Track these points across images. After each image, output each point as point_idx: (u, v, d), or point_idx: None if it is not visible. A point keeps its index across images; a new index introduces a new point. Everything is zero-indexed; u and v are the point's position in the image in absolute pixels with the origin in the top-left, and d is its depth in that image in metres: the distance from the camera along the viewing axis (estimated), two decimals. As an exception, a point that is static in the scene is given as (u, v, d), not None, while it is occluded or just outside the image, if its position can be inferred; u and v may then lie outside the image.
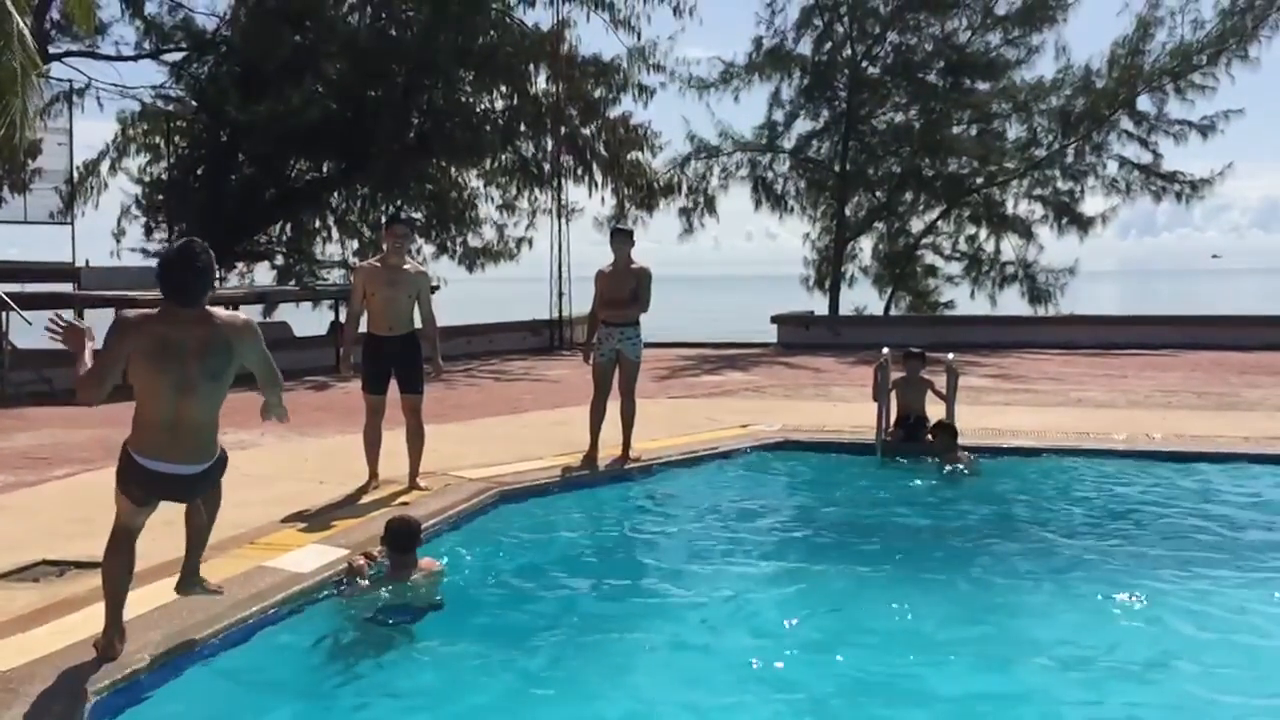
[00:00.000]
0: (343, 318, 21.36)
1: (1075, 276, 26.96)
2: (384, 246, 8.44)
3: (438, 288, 24.06)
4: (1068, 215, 26.59)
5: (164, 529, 6.74)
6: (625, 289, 9.29)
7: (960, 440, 9.66)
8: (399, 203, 24.30)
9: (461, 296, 26.22)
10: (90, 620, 5.07)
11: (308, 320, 22.80)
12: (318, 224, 25.49)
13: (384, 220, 21.73)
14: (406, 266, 8.22)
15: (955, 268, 28.03)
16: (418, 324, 8.29)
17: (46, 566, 6.08)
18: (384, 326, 8.10)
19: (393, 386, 8.17)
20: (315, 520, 7.09)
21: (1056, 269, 26.99)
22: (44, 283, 18.81)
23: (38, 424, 11.97)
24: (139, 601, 5.33)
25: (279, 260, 25.23)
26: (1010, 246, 27.27)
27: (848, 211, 27.67)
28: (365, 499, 7.71)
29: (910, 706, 4.48)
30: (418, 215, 24.51)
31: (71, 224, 20.51)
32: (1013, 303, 26.79)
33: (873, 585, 6.20)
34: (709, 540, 7.24)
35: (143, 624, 4.98)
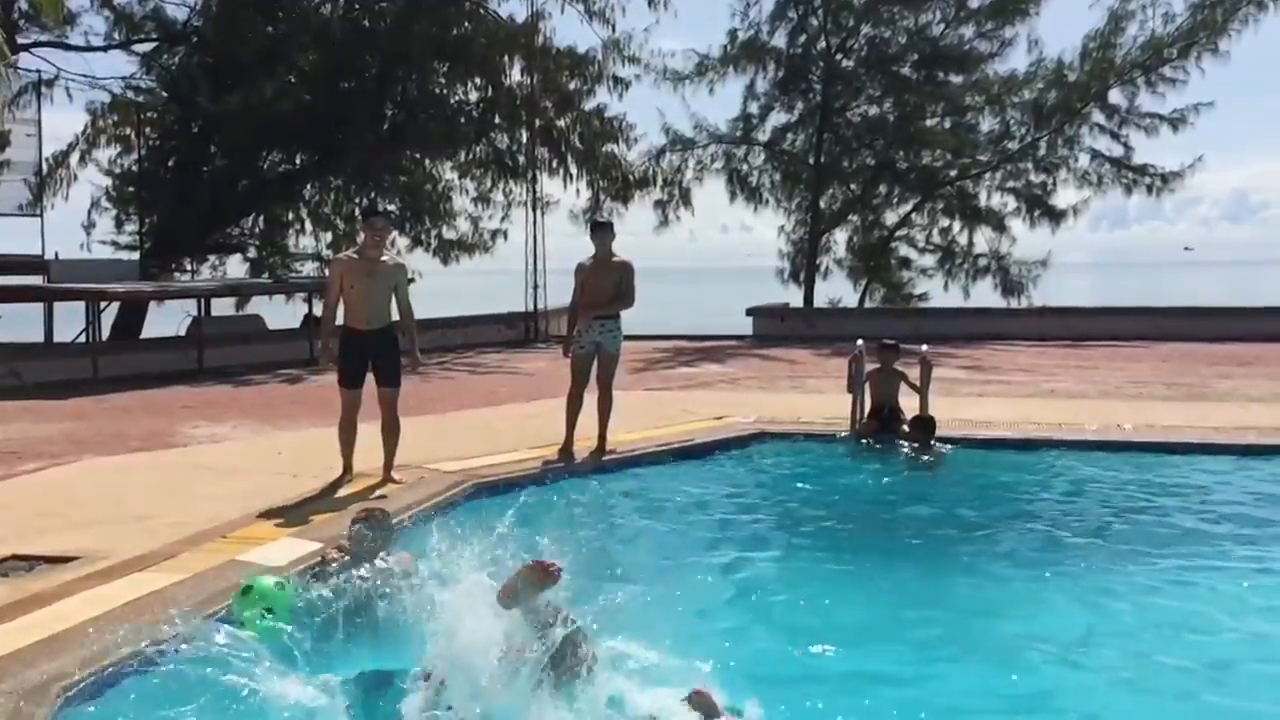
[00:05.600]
0: (317, 310, 21.35)
1: (1048, 269, 27.12)
2: (359, 239, 8.39)
3: (414, 280, 23.92)
4: (1040, 208, 26.76)
5: (134, 524, 6.71)
6: (607, 283, 9.24)
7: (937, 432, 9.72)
8: (373, 195, 24.16)
9: (436, 289, 26.12)
10: (59, 616, 5.04)
11: (281, 313, 22.64)
12: (290, 216, 25.31)
13: (361, 213, 21.71)
14: (384, 259, 8.16)
15: (929, 260, 28.17)
16: (395, 317, 8.24)
17: (15, 562, 6.02)
18: (361, 319, 8.04)
19: (369, 380, 8.13)
20: (288, 514, 7.05)
21: (1029, 261, 27.15)
22: (13, 275, 18.60)
23: (6, 418, 11.84)
24: (110, 597, 5.31)
25: (252, 253, 25.03)
26: (983, 239, 27.48)
27: (822, 204, 27.74)
28: (339, 492, 7.67)
29: (880, 690, 4.51)
30: (392, 207, 24.38)
31: (40, 216, 20.30)
32: (986, 295, 26.95)
33: (845, 574, 6.23)
34: (683, 531, 7.26)
35: (113, 618, 4.94)
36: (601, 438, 9.26)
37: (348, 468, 8.08)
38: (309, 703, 4.27)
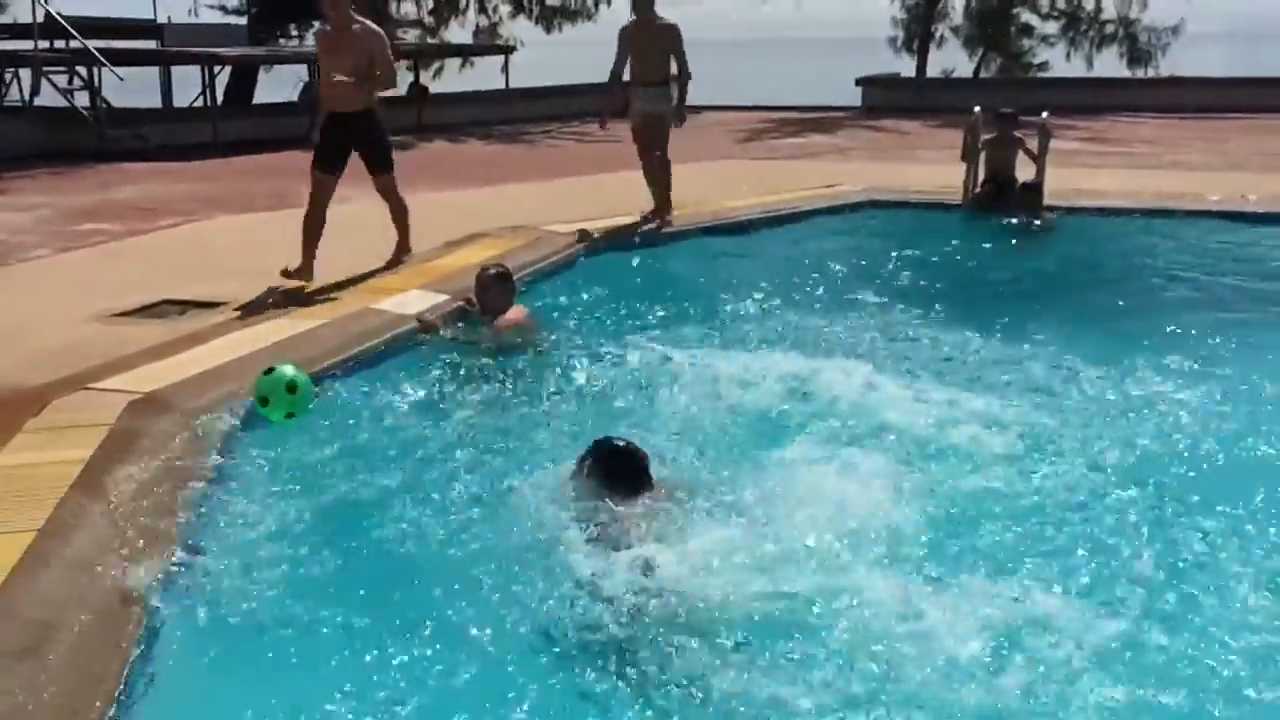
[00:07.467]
0: (424, 79, 21.31)
1: (1179, 37, 25.58)
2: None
3: (515, 49, 23.59)
4: (1178, -33, 25.04)
5: (273, 275, 7.07)
6: (654, 50, 8.87)
7: (1047, 200, 9.55)
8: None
9: (541, 60, 25.79)
10: (215, 352, 5.47)
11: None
12: (392, -18, 24.93)
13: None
14: (355, 28, 7.20)
15: (1051, 27, 26.68)
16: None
17: (169, 306, 6.47)
18: (334, 100, 7.18)
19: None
20: (415, 268, 7.39)
21: (1159, 28, 25.62)
22: (128, 39, 18.87)
23: (138, 178, 12.35)
24: (261, 336, 5.72)
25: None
26: (1111, 3, 25.86)
27: (941, -36, 26.30)
28: (461, 250, 7.95)
29: (979, 449, 4.62)
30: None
31: (151, -21, 20.35)
32: (1111, 65, 25.62)
33: (951, 338, 6.29)
34: (789, 295, 7.33)
35: (269, 354, 5.31)
36: (664, 202, 9.04)
37: (307, 266, 7.05)
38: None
